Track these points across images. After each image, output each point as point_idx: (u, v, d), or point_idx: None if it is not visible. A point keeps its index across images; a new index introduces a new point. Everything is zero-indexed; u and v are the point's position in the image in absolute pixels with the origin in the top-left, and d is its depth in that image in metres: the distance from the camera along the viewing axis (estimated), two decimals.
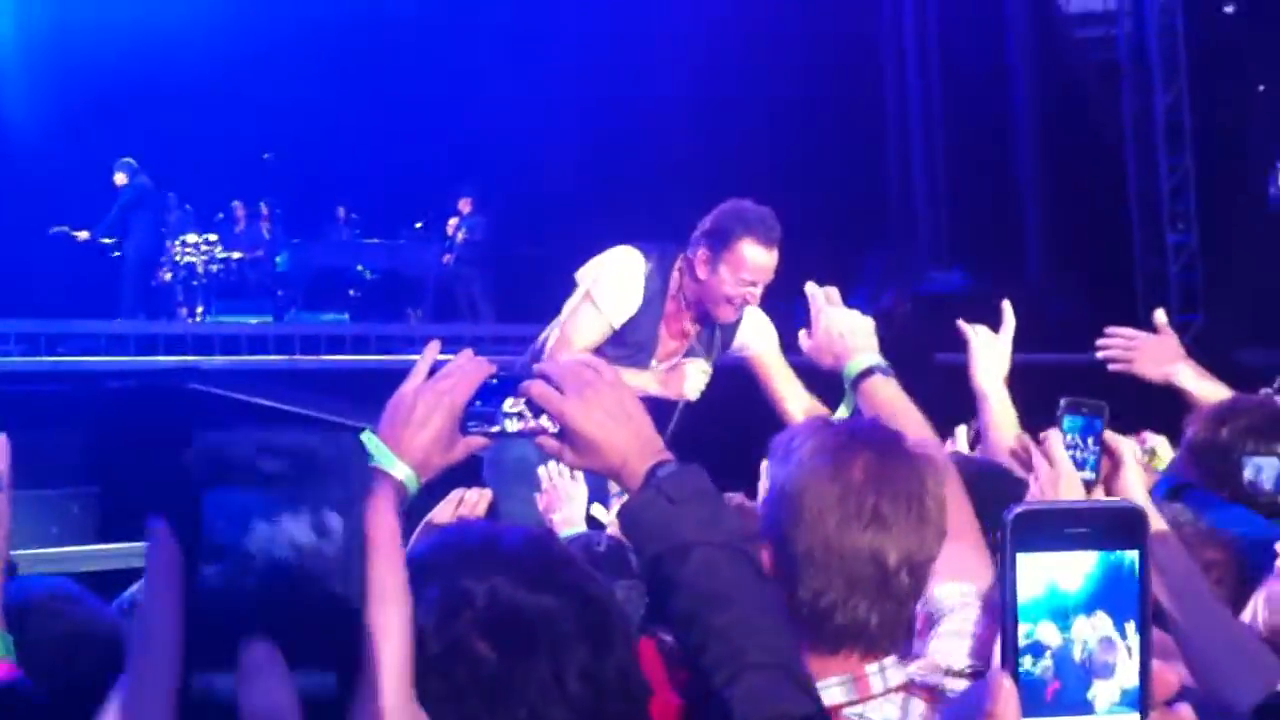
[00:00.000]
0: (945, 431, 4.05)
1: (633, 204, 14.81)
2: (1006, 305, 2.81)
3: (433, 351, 1.77)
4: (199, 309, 12.90)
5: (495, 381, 1.66)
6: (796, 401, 4.12)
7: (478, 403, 1.65)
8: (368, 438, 1.64)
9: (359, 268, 14.05)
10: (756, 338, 4.39)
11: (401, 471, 1.61)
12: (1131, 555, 0.85)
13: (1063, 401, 2.38)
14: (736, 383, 4.30)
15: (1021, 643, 0.84)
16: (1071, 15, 17.20)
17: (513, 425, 1.65)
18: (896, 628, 1.67)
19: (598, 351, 4.07)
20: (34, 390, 8.59)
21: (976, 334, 2.78)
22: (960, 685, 1.73)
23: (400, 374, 1.71)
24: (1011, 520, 0.84)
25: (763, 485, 2.58)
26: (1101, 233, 15.53)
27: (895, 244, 15.52)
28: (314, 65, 14.42)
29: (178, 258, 13.03)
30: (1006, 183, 16.13)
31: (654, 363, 4.35)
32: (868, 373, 2.37)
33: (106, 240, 13.01)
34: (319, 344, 11.33)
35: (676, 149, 15.09)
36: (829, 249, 13.60)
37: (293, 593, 0.75)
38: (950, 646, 1.86)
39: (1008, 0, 16.53)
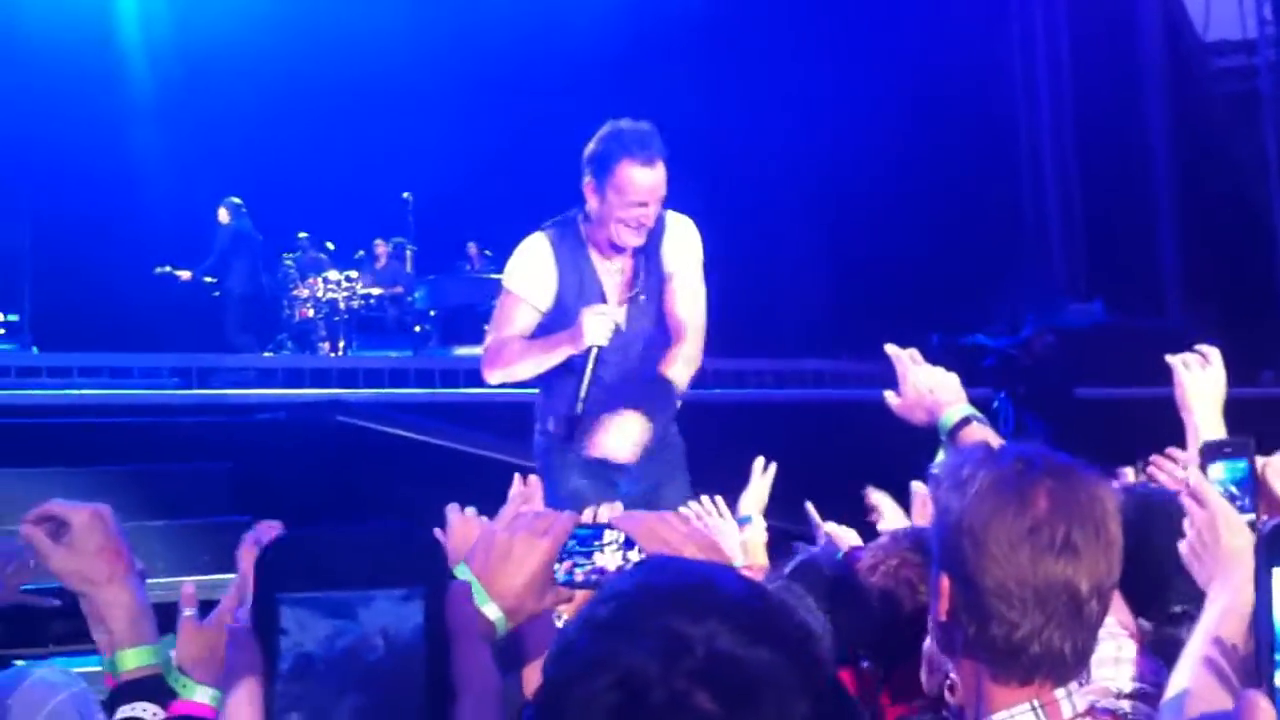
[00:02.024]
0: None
1: (763, 235, 14.86)
2: (1204, 347, 2.86)
3: (522, 493, 1.78)
4: (341, 344, 13.25)
5: (583, 529, 1.67)
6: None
7: (574, 543, 1.66)
8: (462, 571, 1.63)
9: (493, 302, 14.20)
10: (676, 257, 4.46)
11: (493, 613, 1.60)
12: None
13: (1203, 446, 2.33)
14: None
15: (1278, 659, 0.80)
16: (1208, 44, 16.87)
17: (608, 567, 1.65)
18: (1087, 655, 1.66)
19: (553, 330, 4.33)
20: (188, 422, 8.85)
21: (1186, 365, 2.82)
22: (1138, 707, 1.77)
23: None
24: (1267, 534, 0.82)
25: (922, 510, 2.64)
26: (1243, 265, 15.18)
27: (1031, 275, 15.33)
28: (450, 106, 14.71)
29: (320, 294, 13.42)
30: (1143, 214, 15.84)
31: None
32: (964, 422, 2.56)
33: (208, 279, 13.47)
34: (458, 377, 11.50)
35: (807, 182, 15.09)
36: (964, 281, 13.49)
37: (375, 694, 0.75)
38: (1108, 674, 1.92)
39: (1142, 31, 16.28)
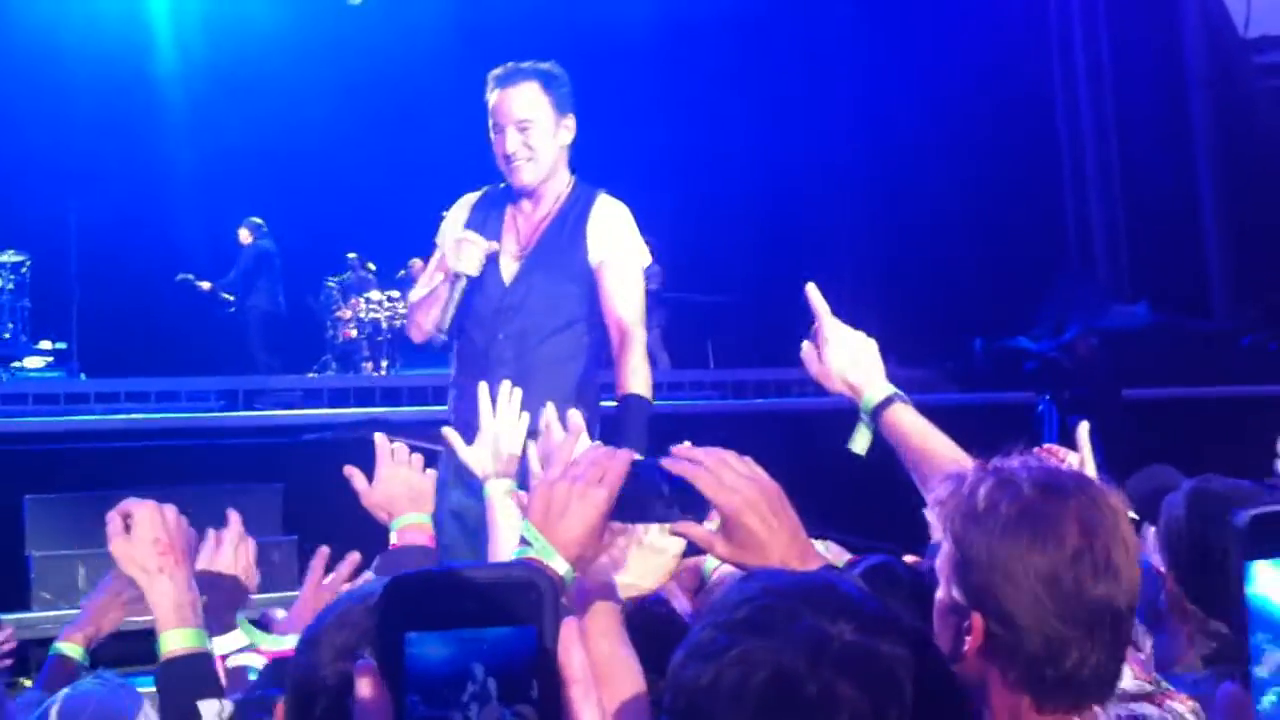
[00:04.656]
0: (1130, 469, 3.94)
1: (806, 241, 14.84)
2: None
3: (575, 439, 1.77)
4: (384, 363, 13.32)
5: (637, 468, 1.67)
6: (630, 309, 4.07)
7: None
8: (527, 528, 1.65)
9: None
10: (602, 245, 4.18)
11: (561, 566, 1.61)
12: None
13: None
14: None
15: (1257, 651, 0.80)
16: (1249, 41, 16.70)
17: (660, 513, 1.67)
18: (1123, 669, 1.64)
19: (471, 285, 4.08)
20: (236, 444, 8.92)
21: None
22: (1146, 708, 1.74)
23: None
24: (1246, 526, 0.80)
25: (933, 534, 2.52)
26: None
27: (1074, 278, 15.22)
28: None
29: (363, 315, 13.52)
30: (1187, 214, 15.71)
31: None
32: (888, 402, 2.34)
33: (227, 296, 13.56)
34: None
35: (850, 188, 15.06)
36: (1008, 284, 13.43)
37: None
38: None
39: (1182, 29, 16.15)
